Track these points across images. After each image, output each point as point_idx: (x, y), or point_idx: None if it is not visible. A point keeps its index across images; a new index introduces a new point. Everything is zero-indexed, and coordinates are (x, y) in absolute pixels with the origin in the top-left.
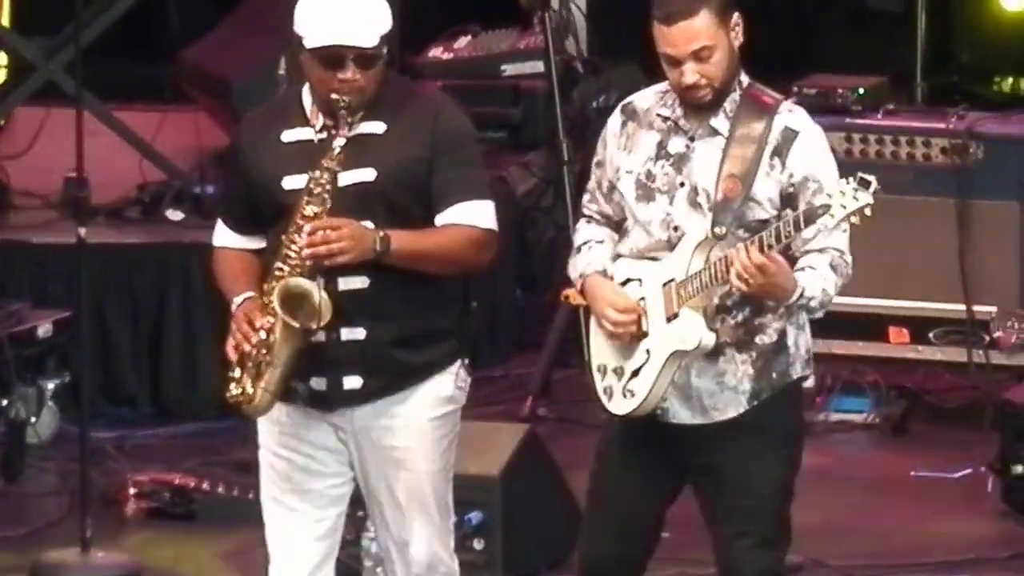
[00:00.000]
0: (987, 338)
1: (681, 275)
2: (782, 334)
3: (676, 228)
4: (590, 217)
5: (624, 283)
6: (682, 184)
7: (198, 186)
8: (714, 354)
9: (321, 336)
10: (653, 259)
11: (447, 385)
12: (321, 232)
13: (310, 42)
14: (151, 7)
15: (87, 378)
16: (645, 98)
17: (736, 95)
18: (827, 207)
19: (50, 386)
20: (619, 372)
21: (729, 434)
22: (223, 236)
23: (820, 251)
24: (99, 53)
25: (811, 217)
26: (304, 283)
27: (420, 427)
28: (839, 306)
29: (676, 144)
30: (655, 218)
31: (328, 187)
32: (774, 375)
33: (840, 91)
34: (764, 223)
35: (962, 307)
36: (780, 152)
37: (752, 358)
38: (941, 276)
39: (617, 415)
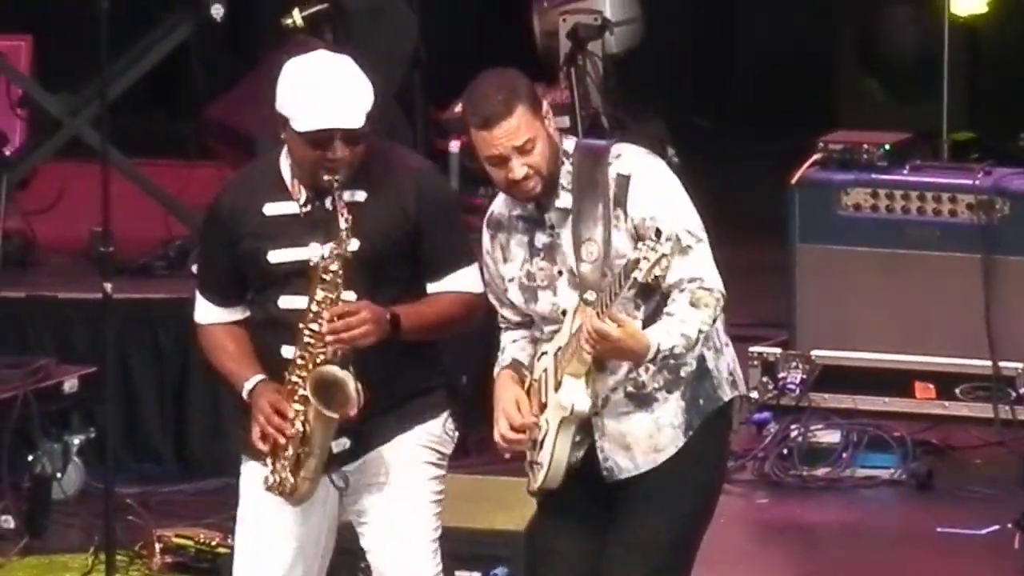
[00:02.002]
0: (1013, 394)
1: (564, 343)
2: (700, 360)
3: (563, 312)
4: (505, 327)
5: (540, 357)
6: (560, 272)
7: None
8: (647, 402)
9: None
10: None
11: (435, 427)
12: (343, 320)
13: (299, 125)
14: (175, 63)
15: (112, 433)
16: (501, 205)
17: (568, 165)
18: (636, 261)
19: (76, 442)
20: (532, 446)
21: (666, 469)
22: (208, 312)
23: (679, 288)
24: (124, 109)
25: (627, 272)
26: (337, 372)
27: (406, 455)
28: (865, 361)
29: (541, 238)
30: (545, 311)
31: (340, 271)
32: (701, 401)
33: (866, 146)
34: (643, 283)
35: (988, 363)
36: (620, 201)
37: (681, 392)
38: (967, 332)
39: (535, 488)
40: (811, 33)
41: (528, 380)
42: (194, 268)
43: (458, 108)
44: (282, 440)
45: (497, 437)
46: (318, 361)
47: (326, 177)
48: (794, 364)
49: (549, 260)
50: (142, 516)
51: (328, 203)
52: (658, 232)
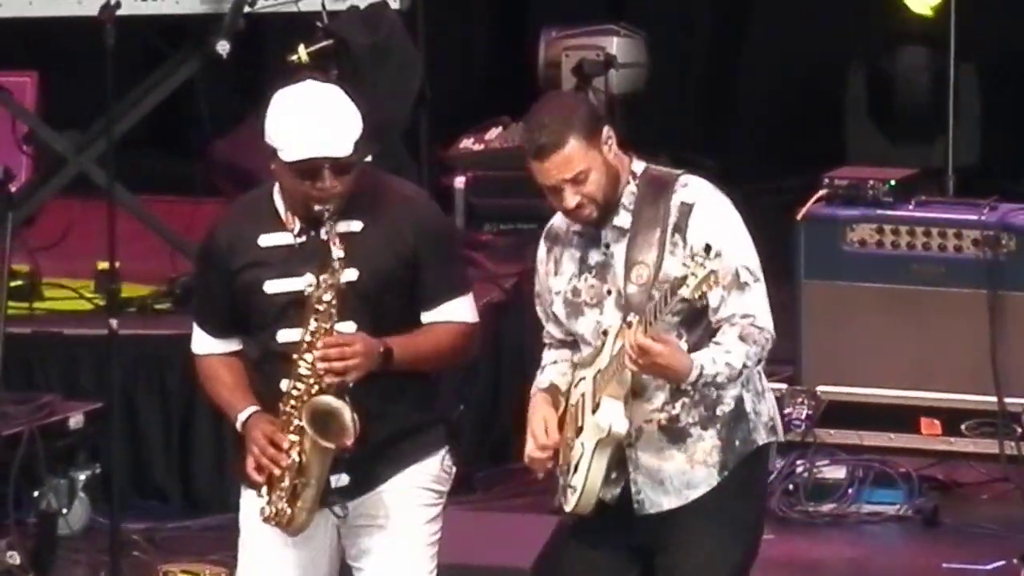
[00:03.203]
0: (1019, 430)
1: (605, 365)
2: (739, 401)
3: (605, 332)
4: (549, 342)
5: (578, 383)
6: (609, 292)
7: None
8: (681, 438)
9: None
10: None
11: (433, 465)
12: (336, 349)
13: (286, 156)
14: (181, 100)
15: (118, 470)
16: (560, 218)
17: (633, 186)
18: (684, 277)
19: (81, 478)
20: (566, 469)
21: (691, 513)
22: (204, 344)
23: (731, 322)
24: (130, 146)
25: (674, 288)
26: (332, 402)
27: (404, 495)
28: (871, 397)
29: (595, 256)
30: (587, 330)
31: (334, 301)
32: (737, 443)
33: (871, 182)
34: (686, 300)
35: (994, 399)
36: (680, 228)
37: (717, 430)
38: (973, 368)
39: (567, 512)
40: (820, 71)
41: (564, 405)
42: None
43: (462, 145)
44: (276, 471)
45: (525, 457)
46: (313, 392)
47: (317, 207)
48: (800, 400)
49: (599, 278)
50: (147, 552)
51: (323, 233)
52: (707, 248)
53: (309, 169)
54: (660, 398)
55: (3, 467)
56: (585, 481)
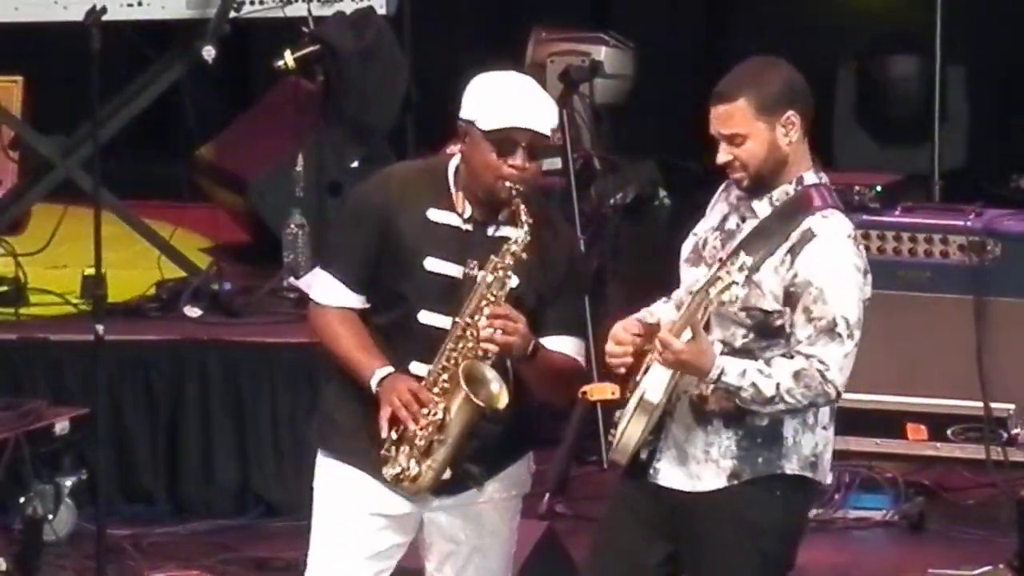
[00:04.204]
0: (1005, 435)
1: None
2: (776, 422)
3: (691, 293)
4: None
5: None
6: (721, 260)
7: (216, 283)
8: (702, 421)
9: None
10: None
11: (523, 470)
12: (501, 320)
13: (485, 124)
14: (167, 105)
15: (104, 475)
16: None
17: (791, 188)
18: (717, 277)
19: (67, 483)
20: (620, 414)
21: (710, 514)
22: (334, 293)
23: (807, 356)
24: (116, 151)
25: (707, 284)
26: (488, 370)
27: (492, 512)
28: (857, 403)
29: (732, 221)
30: (690, 281)
31: (510, 275)
32: (759, 460)
33: (857, 188)
34: (766, 313)
35: (980, 404)
36: (794, 250)
37: (738, 436)
38: (959, 373)
39: (608, 460)
40: (809, 76)
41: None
42: (186, 310)
43: (450, 149)
44: (412, 426)
45: (606, 357)
46: (469, 356)
47: (506, 185)
48: None
49: (723, 243)
50: (134, 558)
51: (490, 230)
52: (736, 253)
53: (507, 141)
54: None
55: None
56: (621, 435)
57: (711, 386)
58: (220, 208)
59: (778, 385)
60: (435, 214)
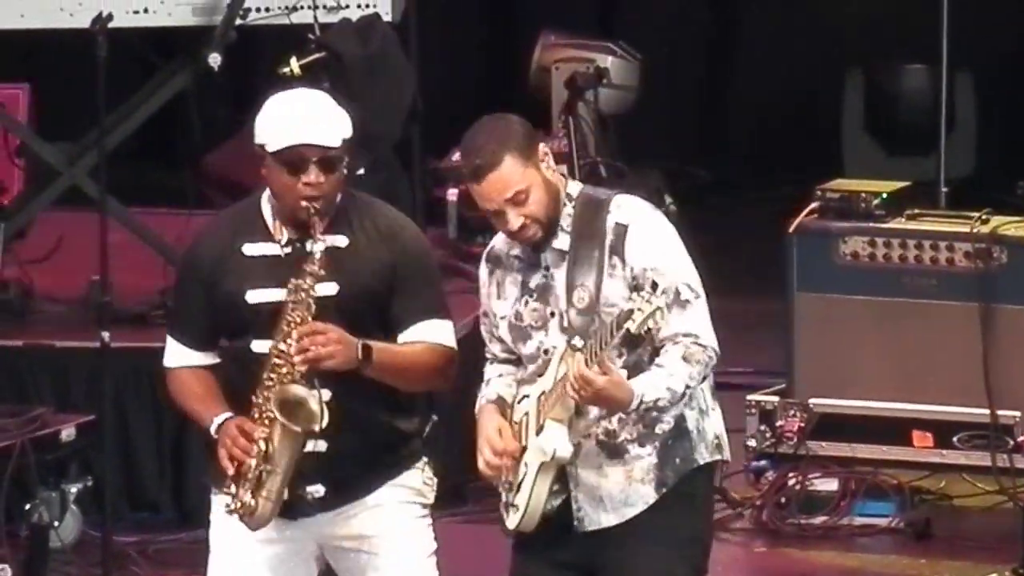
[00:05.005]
0: (1011, 442)
1: (549, 387)
2: (680, 419)
3: (547, 352)
4: (492, 358)
5: (521, 400)
6: (552, 314)
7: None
8: (619, 454)
9: None
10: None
11: (414, 479)
12: (309, 337)
13: (272, 146)
14: (173, 112)
15: (110, 482)
16: (502, 241)
17: (569, 208)
18: (630, 312)
19: (73, 490)
20: (509, 487)
21: (633, 534)
22: (178, 355)
23: (674, 341)
24: (122, 158)
25: (620, 322)
26: (300, 390)
27: (390, 513)
28: (863, 410)
29: (536, 279)
30: (532, 351)
31: (313, 293)
32: (677, 460)
33: (864, 195)
34: (634, 336)
35: (986, 411)
36: (616, 249)
37: (656, 447)
38: (965, 380)
39: (509, 530)
40: (815, 83)
41: (508, 419)
42: None
43: (455, 157)
44: (247, 460)
45: (481, 465)
46: (284, 381)
47: (303, 204)
48: (792, 412)
49: (542, 301)
50: (139, 565)
51: (308, 245)
52: (655, 285)
53: (295, 160)
54: (595, 412)
55: None
56: (528, 501)
57: (632, 413)
58: None
59: (680, 376)
60: (250, 248)
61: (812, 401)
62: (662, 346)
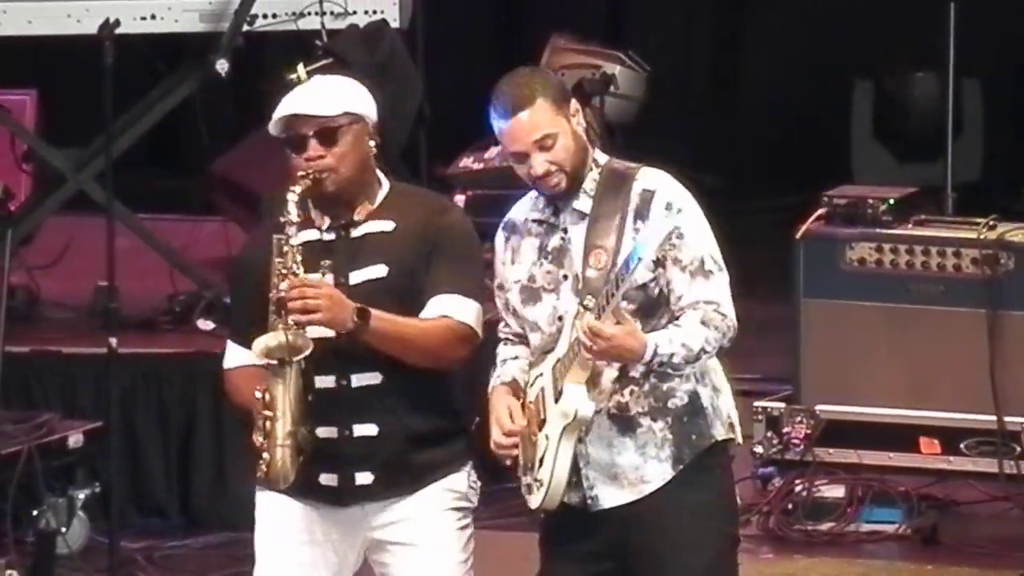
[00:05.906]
0: (1018, 449)
1: (563, 353)
2: (693, 396)
3: (560, 318)
4: (506, 339)
5: (534, 381)
6: (565, 276)
7: (228, 296)
8: (631, 427)
9: (333, 432)
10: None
11: (460, 482)
12: (299, 288)
13: (274, 128)
14: (180, 119)
15: (117, 488)
16: (520, 209)
17: (595, 173)
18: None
19: (80, 496)
20: (530, 466)
21: (659, 512)
22: (235, 356)
23: (694, 307)
24: (129, 164)
25: (626, 265)
26: (268, 338)
27: (437, 521)
28: (870, 416)
29: (553, 241)
30: (542, 316)
31: (292, 242)
32: (693, 436)
33: (870, 201)
34: (643, 287)
35: (993, 418)
36: (641, 213)
37: (668, 423)
38: (972, 387)
39: (532, 510)
40: (824, 90)
41: (522, 402)
42: (199, 323)
43: (462, 163)
44: (267, 424)
45: (492, 445)
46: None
47: (300, 173)
48: (799, 419)
49: (556, 263)
50: (147, 571)
51: (353, 232)
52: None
53: (295, 137)
54: (608, 386)
55: (2, 486)
56: (552, 473)
57: (641, 368)
58: (233, 222)
59: (696, 336)
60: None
61: (819, 407)
62: (681, 314)
